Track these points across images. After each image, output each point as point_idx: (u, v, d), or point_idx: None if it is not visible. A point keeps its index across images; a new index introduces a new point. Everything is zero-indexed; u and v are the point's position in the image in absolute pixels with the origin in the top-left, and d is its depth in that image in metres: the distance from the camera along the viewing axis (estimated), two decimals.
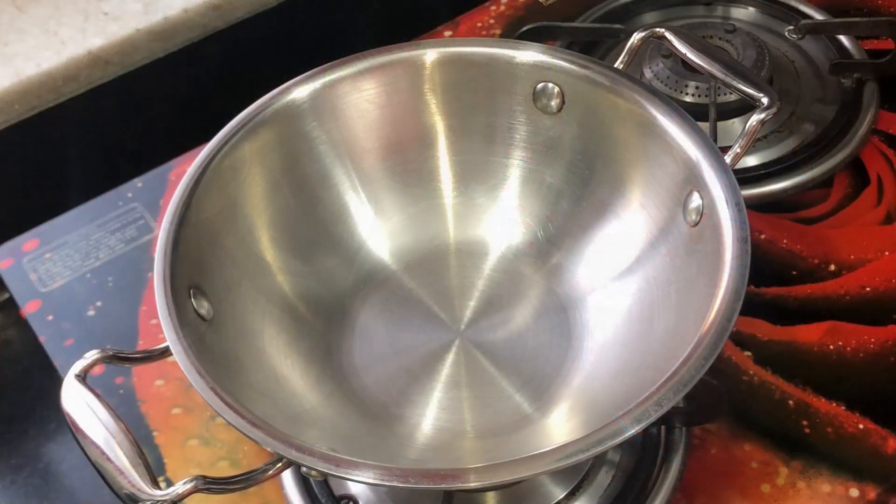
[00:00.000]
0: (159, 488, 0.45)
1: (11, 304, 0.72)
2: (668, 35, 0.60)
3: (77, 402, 0.47)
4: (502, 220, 0.64)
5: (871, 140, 0.76)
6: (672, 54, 0.72)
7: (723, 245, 0.51)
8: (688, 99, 0.75)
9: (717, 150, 0.54)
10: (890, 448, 0.60)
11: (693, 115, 0.56)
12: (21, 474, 0.65)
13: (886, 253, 0.69)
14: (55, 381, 0.67)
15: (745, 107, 0.72)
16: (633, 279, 0.58)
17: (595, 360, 0.57)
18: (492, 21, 0.88)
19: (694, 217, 0.54)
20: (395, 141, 0.63)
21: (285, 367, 0.56)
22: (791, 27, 0.83)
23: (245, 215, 0.58)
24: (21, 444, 0.67)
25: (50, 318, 0.70)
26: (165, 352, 0.51)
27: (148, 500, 0.44)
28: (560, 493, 0.58)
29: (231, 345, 0.54)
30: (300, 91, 0.60)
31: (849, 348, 0.64)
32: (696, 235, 0.54)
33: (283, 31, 0.90)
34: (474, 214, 0.65)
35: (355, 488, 0.59)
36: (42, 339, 0.69)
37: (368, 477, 0.44)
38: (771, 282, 0.68)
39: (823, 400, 0.62)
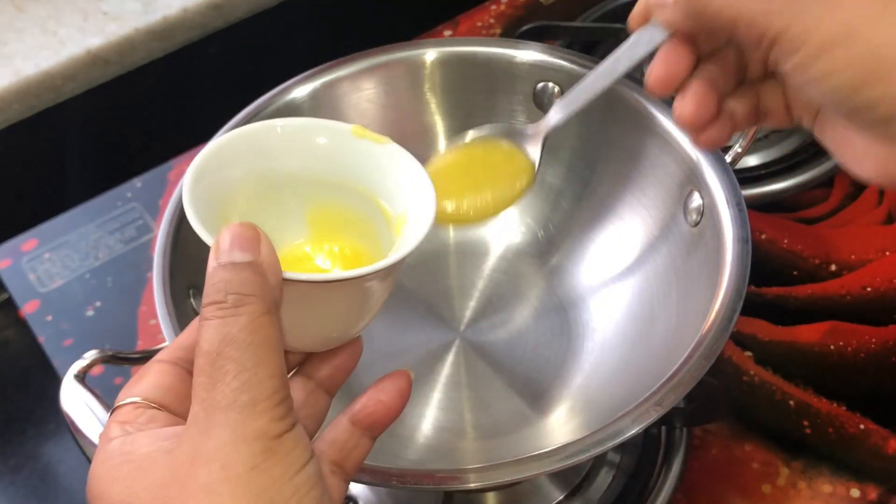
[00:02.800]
0: None
1: (10, 305, 0.72)
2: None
3: (76, 402, 0.47)
4: (502, 220, 0.64)
5: None
6: None
7: (723, 245, 0.51)
8: None
9: (717, 149, 0.54)
10: (891, 448, 0.60)
11: None
12: (20, 474, 0.65)
13: (887, 253, 0.69)
14: (54, 381, 0.67)
15: None
16: (634, 279, 0.58)
17: (595, 360, 0.57)
18: (492, 21, 0.88)
19: (694, 217, 0.54)
20: (394, 140, 0.63)
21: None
22: None
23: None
24: (20, 444, 0.67)
25: (49, 318, 0.70)
26: None
27: None
28: (560, 494, 0.58)
29: None
30: (300, 91, 0.60)
31: (850, 348, 0.64)
32: (697, 235, 0.54)
33: (283, 31, 0.90)
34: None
35: (355, 489, 0.59)
36: (41, 339, 0.69)
37: (368, 477, 0.44)
38: (772, 282, 0.68)
39: (824, 400, 0.62)
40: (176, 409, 0.36)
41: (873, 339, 0.64)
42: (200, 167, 0.39)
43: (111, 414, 0.36)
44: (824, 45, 0.36)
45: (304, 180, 0.42)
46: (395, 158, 0.42)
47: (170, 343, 0.46)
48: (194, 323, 0.38)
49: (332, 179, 0.42)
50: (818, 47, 0.36)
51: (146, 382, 0.36)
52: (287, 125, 0.42)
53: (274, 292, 0.33)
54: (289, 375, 0.38)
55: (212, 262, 0.34)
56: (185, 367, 0.37)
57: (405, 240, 0.39)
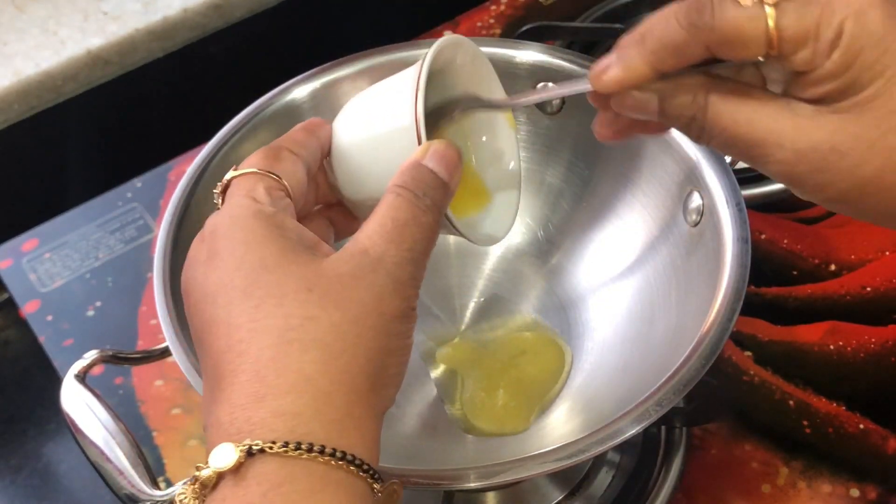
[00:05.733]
0: (159, 488, 0.45)
1: (11, 305, 0.72)
2: None
3: (76, 402, 0.47)
4: None
5: None
6: None
7: (723, 245, 0.51)
8: None
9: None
10: (890, 448, 0.60)
11: None
12: (20, 474, 0.65)
13: (887, 253, 0.69)
14: (54, 381, 0.67)
15: None
16: (634, 279, 0.58)
17: (595, 360, 0.57)
18: (492, 21, 0.88)
19: (694, 217, 0.54)
20: None
21: None
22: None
23: None
24: (20, 444, 0.67)
25: (49, 318, 0.70)
26: (165, 352, 0.51)
27: (147, 501, 0.44)
28: (560, 494, 0.58)
29: None
30: (300, 91, 0.60)
31: (849, 348, 0.64)
32: (697, 235, 0.54)
33: (283, 31, 0.90)
34: None
35: None
36: (41, 339, 0.69)
37: None
38: (771, 282, 0.68)
39: (824, 400, 0.62)
40: (297, 201, 0.41)
41: (873, 339, 0.64)
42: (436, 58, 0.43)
43: (243, 174, 0.40)
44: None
45: (441, 92, 0.46)
46: (510, 144, 0.49)
47: (169, 342, 0.46)
48: (305, 125, 0.44)
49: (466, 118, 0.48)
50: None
51: (285, 166, 0.41)
52: (484, 63, 0.47)
53: (443, 214, 0.40)
54: (315, 208, 0.46)
55: (419, 156, 0.40)
56: (305, 164, 0.42)
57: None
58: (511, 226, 0.48)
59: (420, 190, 0.39)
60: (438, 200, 0.39)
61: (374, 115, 0.43)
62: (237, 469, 0.33)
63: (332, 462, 0.33)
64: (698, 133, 0.39)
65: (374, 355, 0.36)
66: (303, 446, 0.33)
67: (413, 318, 0.38)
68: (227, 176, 0.40)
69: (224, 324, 0.36)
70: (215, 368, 0.36)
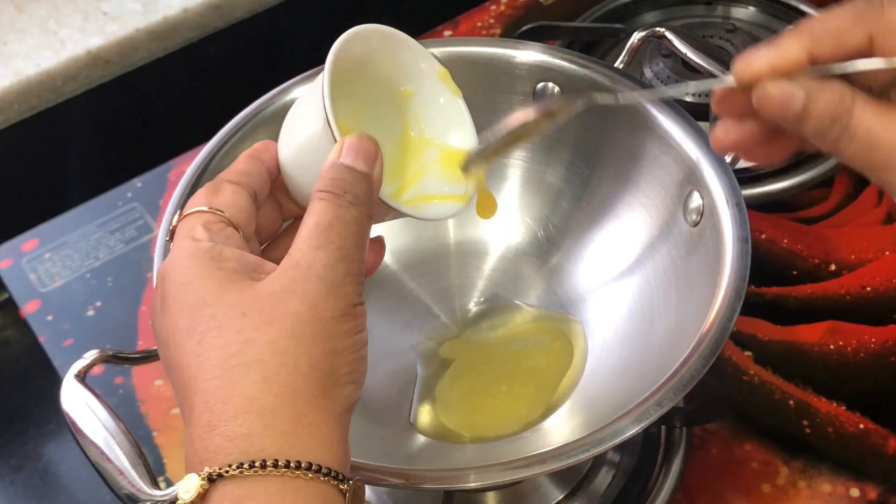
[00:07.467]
0: (159, 488, 0.45)
1: (11, 304, 0.72)
2: (669, 35, 0.60)
3: (76, 402, 0.47)
4: (502, 220, 0.64)
5: None
6: (672, 54, 0.72)
7: (723, 245, 0.51)
8: (688, 99, 0.75)
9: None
10: (890, 448, 0.60)
11: (693, 115, 0.56)
12: (20, 474, 0.65)
13: (887, 253, 0.69)
14: (54, 381, 0.67)
15: None
16: (634, 279, 0.58)
17: (595, 361, 0.57)
18: (492, 21, 0.88)
19: (694, 217, 0.54)
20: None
21: None
22: (791, 27, 0.83)
23: None
24: (20, 444, 0.67)
25: (49, 318, 0.70)
26: None
27: (147, 500, 0.44)
28: (560, 494, 0.58)
29: None
30: (300, 91, 0.60)
31: (849, 348, 0.64)
32: (697, 235, 0.54)
33: (283, 31, 0.90)
34: (474, 214, 0.64)
35: None
36: (41, 339, 0.69)
37: (368, 477, 0.44)
38: (771, 282, 0.68)
39: (824, 400, 0.62)
40: (244, 229, 0.42)
41: (873, 339, 0.64)
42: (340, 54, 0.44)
43: (185, 215, 0.41)
44: None
45: (375, 84, 0.48)
46: (459, 111, 0.50)
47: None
48: (249, 151, 0.45)
49: (400, 90, 0.49)
50: None
51: (224, 198, 0.41)
52: (407, 42, 0.48)
53: (373, 205, 0.41)
54: (285, 224, 0.46)
55: (334, 156, 0.40)
56: (249, 190, 0.43)
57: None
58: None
59: (339, 189, 0.39)
60: (361, 193, 0.39)
61: (297, 125, 0.44)
62: (203, 496, 0.34)
63: (288, 473, 0.34)
64: (838, 135, 0.38)
65: (318, 361, 0.36)
66: (256, 464, 0.34)
67: (357, 314, 0.38)
68: (173, 222, 0.41)
69: (177, 364, 0.37)
70: (181, 407, 0.38)
